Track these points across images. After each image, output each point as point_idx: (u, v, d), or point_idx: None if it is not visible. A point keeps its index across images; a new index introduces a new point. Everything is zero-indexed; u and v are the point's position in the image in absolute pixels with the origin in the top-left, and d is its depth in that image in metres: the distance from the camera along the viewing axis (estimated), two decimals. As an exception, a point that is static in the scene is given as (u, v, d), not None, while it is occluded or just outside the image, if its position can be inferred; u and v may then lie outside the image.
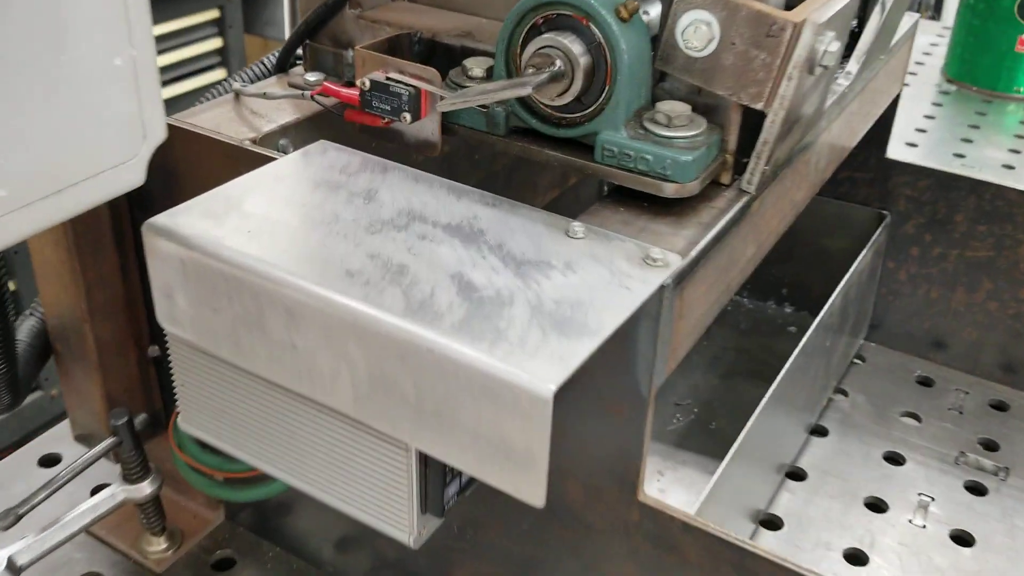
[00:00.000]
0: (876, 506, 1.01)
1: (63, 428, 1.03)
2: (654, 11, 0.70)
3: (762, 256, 0.77)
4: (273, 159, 0.72)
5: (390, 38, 0.78)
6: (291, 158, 0.71)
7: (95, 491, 0.99)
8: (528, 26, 0.68)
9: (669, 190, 0.65)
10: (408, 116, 0.71)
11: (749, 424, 0.84)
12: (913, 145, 1.29)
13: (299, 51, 0.89)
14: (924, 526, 0.99)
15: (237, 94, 0.84)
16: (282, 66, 0.90)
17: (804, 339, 0.94)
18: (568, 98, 0.67)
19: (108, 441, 0.85)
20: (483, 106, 0.70)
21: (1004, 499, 1.02)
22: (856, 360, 1.23)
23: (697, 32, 0.65)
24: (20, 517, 0.82)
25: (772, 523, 0.98)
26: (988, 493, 1.03)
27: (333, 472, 0.65)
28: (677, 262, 0.60)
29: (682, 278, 0.61)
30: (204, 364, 0.68)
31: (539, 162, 0.71)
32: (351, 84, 0.75)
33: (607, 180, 0.68)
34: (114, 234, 0.84)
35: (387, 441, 0.61)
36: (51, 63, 0.52)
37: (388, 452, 0.61)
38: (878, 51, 0.92)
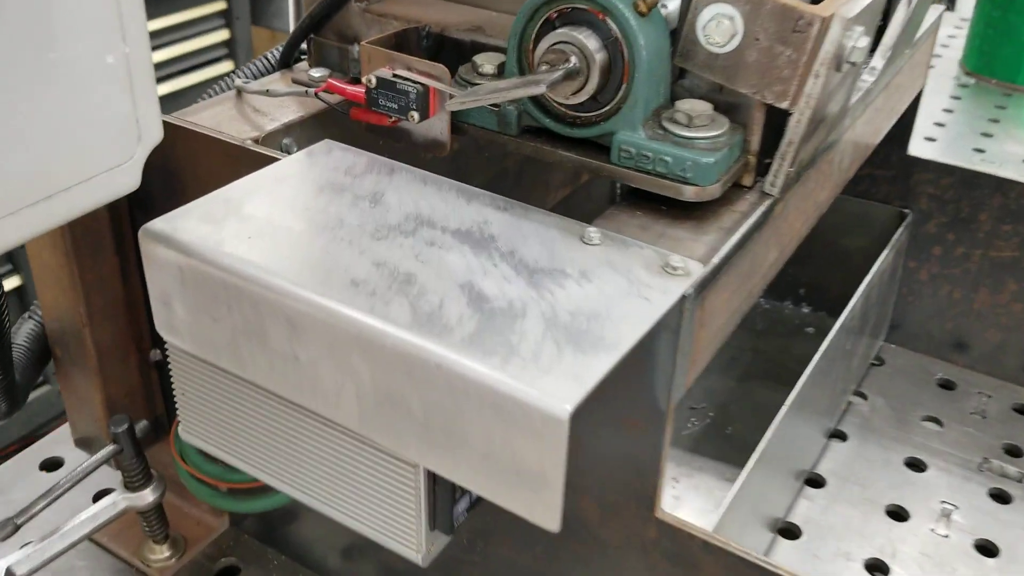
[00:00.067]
0: (897, 514, 0.98)
1: (64, 431, 1.01)
2: (672, 4, 0.67)
3: (784, 260, 0.74)
4: (276, 159, 0.69)
5: (397, 33, 0.75)
6: (294, 158, 0.68)
7: (97, 496, 0.97)
8: (541, 21, 0.65)
9: (689, 193, 0.62)
10: (416, 115, 0.68)
11: (770, 432, 0.81)
12: (931, 140, 1.26)
13: (304, 46, 0.86)
14: (947, 535, 0.96)
15: (239, 91, 0.82)
16: (286, 62, 0.87)
17: (825, 343, 0.91)
18: (583, 96, 0.64)
19: (108, 448, 0.83)
20: (494, 105, 0.67)
21: (1030, 507, 1.00)
22: (875, 362, 1.20)
23: (719, 27, 0.62)
24: (18, 527, 0.79)
25: (790, 532, 0.95)
26: (1013, 501, 1.00)
27: (338, 486, 0.63)
28: (698, 270, 0.58)
29: (703, 287, 0.58)
30: (205, 373, 0.66)
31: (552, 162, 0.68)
32: (357, 81, 0.72)
33: (624, 182, 0.65)
34: (113, 236, 0.82)
35: (394, 456, 0.58)
36: (39, 62, 0.49)
37: (395, 467, 0.59)
38: (903, 45, 0.89)
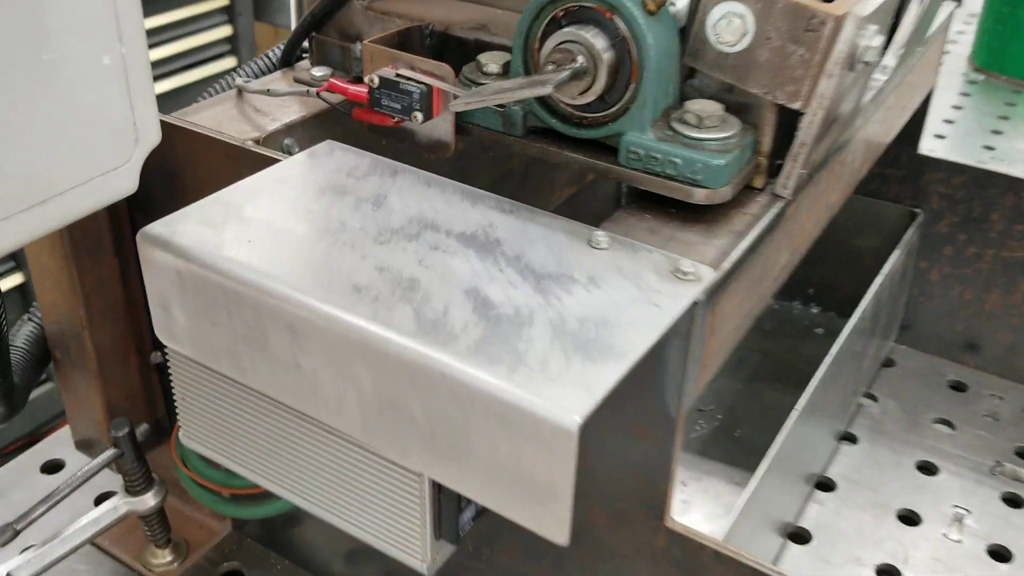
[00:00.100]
0: (909, 519, 0.97)
1: (65, 432, 1.00)
2: (681, 2, 0.65)
3: (796, 262, 0.73)
4: (276, 160, 0.68)
5: (400, 31, 0.74)
6: (296, 159, 0.67)
7: (99, 499, 0.97)
8: (547, 20, 0.63)
9: (699, 196, 0.61)
10: (419, 115, 0.67)
11: (780, 437, 0.80)
12: (941, 137, 1.24)
13: (305, 44, 0.85)
14: (960, 540, 0.94)
15: (240, 90, 0.80)
16: (287, 60, 0.86)
17: (836, 346, 0.89)
18: (590, 97, 0.63)
19: (109, 452, 0.82)
20: (499, 105, 0.66)
21: (1043, 512, 0.98)
22: (885, 363, 1.18)
23: (730, 26, 0.61)
24: (18, 533, 0.78)
25: (800, 536, 0.94)
26: (1026, 505, 0.99)
27: (341, 494, 0.61)
28: (709, 275, 0.56)
29: (715, 292, 0.56)
30: (205, 378, 0.64)
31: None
32: (359, 80, 0.71)
33: (632, 184, 0.64)
34: (113, 237, 0.80)
35: (398, 465, 0.57)
36: (33, 63, 0.48)
37: (399, 475, 0.58)
38: (915, 43, 0.87)
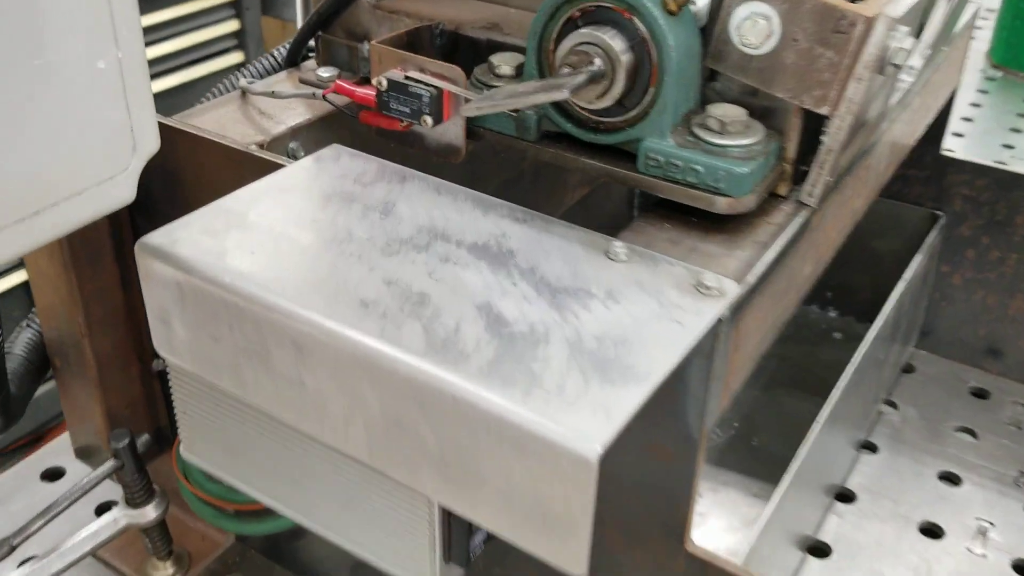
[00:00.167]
0: (931, 531, 0.94)
1: (66, 439, 0.98)
2: (701, 0, 0.62)
3: (820, 272, 0.70)
4: (281, 165, 0.65)
5: (409, 31, 0.71)
6: (301, 165, 0.65)
7: (100, 509, 0.95)
8: (563, 20, 0.61)
9: (722, 205, 0.58)
10: (429, 119, 0.64)
11: (803, 451, 0.77)
12: (959, 135, 1.21)
13: (311, 43, 0.83)
14: (984, 555, 0.91)
15: (244, 92, 0.78)
16: (293, 60, 0.83)
17: (859, 355, 0.86)
18: (608, 101, 0.60)
19: (109, 464, 0.80)
20: (513, 109, 0.63)
21: (1069, 525, 0.95)
22: (905, 369, 1.16)
23: (755, 27, 0.58)
24: (14, 548, 0.76)
25: (820, 550, 0.91)
26: (1052, 518, 0.96)
27: (347, 514, 0.59)
28: (733, 290, 0.53)
29: (739, 307, 0.54)
30: (206, 392, 0.62)
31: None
32: (366, 81, 0.68)
33: (651, 193, 0.61)
34: (113, 243, 0.78)
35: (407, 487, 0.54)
36: (25, 69, 0.46)
37: (408, 497, 0.55)
38: (941, 42, 0.85)
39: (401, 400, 0.48)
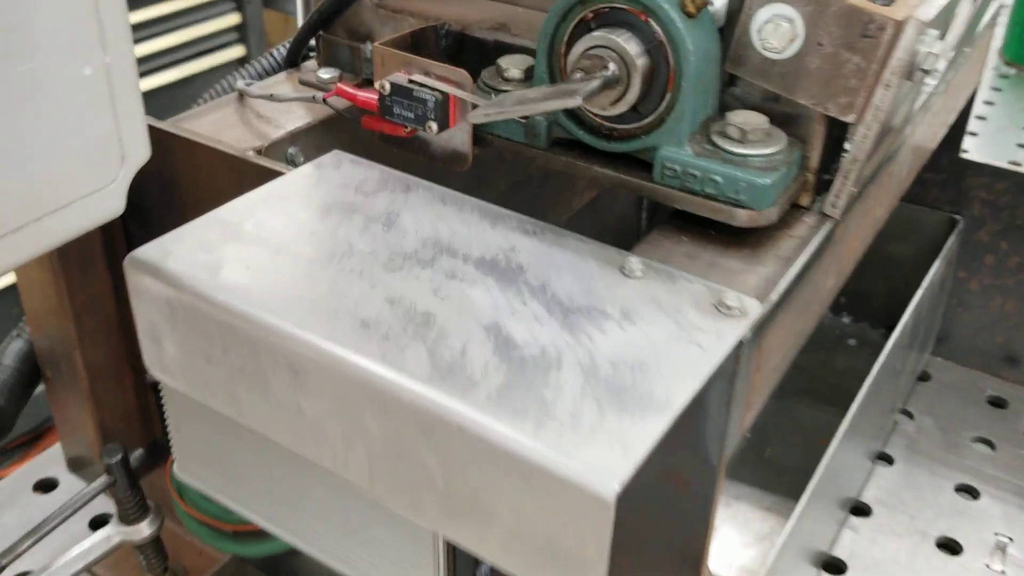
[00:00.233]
0: (949, 547, 0.91)
1: (59, 450, 0.96)
2: (719, 1, 0.59)
3: (842, 285, 0.67)
4: (279, 173, 0.62)
5: (413, 32, 0.68)
6: (300, 172, 0.62)
7: (94, 522, 0.92)
8: (575, 22, 0.58)
9: (743, 218, 0.55)
10: (434, 125, 0.61)
11: (821, 468, 0.74)
12: (973, 134, 1.18)
13: (312, 43, 0.80)
14: (1003, 571, 0.89)
15: (241, 94, 0.75)
16: (292, 60, 0.80)
17: (878, 365, 0.84)
18: (623, 107, 0.57)
19: (101, 480, 0.77)
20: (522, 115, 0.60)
21: (1092, 540, 0.93)
22: (921, 377, 1.13)
23: (777, 30, 0.55)
24: (3, 568, 0.74)
25: (835, 567, 0.89)
26: (1073, 533, 0.93)
27: (347, 540, 0.57)
28: (756, 309, 0.51)
29: (761, 327, 0.51)
30: (200, 412, 0.59)
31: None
32: (369, 83, 0.65)
33: (667, 204, 0.58)
34: (105, 251, 0.75)
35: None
36: (7, 76, 0.43)
37: (411, 526, 0.52)
38: (964, 43, 0.82)
39: (404, 429, 0.46)
